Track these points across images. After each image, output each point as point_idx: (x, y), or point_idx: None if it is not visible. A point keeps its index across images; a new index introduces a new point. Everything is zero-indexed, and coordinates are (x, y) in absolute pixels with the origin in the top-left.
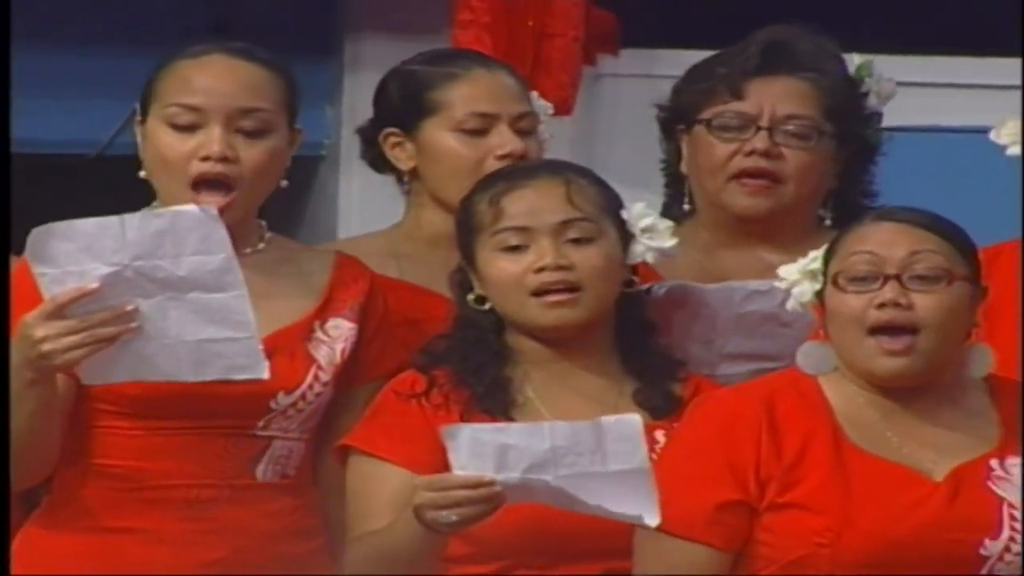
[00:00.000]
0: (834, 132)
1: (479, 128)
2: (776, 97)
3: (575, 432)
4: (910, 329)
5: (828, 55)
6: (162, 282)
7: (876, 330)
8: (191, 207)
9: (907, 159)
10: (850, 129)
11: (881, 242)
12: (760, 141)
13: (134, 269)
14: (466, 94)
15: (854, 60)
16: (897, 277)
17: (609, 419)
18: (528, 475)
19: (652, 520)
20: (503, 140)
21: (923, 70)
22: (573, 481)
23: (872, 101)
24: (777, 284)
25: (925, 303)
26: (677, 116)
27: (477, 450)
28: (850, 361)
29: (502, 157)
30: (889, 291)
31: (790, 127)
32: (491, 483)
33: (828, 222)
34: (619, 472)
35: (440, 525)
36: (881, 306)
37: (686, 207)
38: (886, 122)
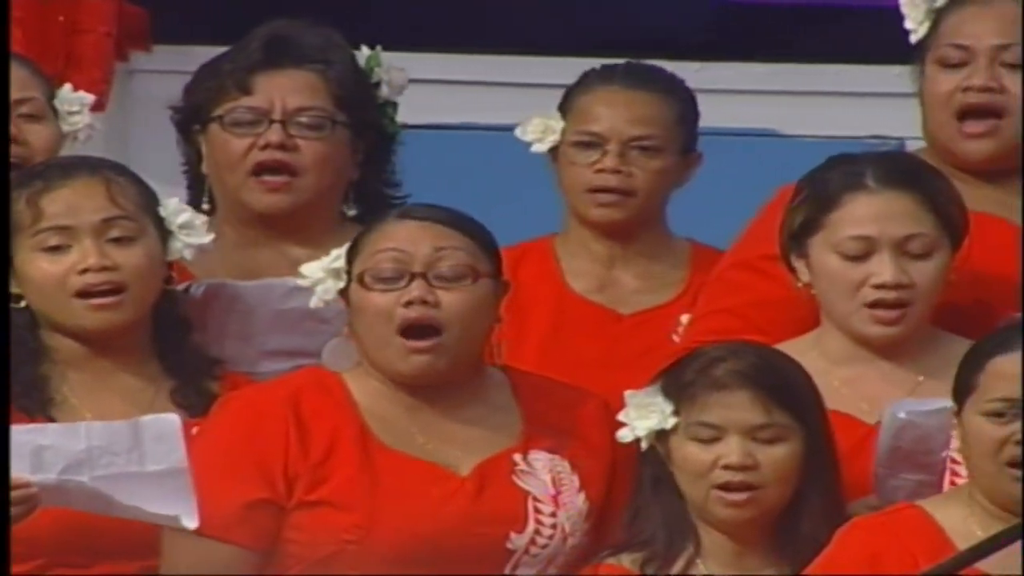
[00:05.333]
0: (348, 121)
1: None
2: (285, 90)
3: (112, 432)
4: (436, 327)
5: (335, 46)
6: None
7: (403, 331)
8: None
9: (438, 156)
10: (364, 118)
11: (406, 239)
12: (274, 134)
13: None
14: None
15: (364, 52)
16: (423, 275)
17: (147, 419)
18: (64, 476)
19: (190, 522)
20: None
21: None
22: (110, 482)
23: (384, 91)
24: (301, 282)
25: (450, 300)
26: (192, 116)
27: (13, 451)
28: (377, 359)
29: None
30: (416, 289)
31: (303, 119)
32: (27, 484)
33: (352, 214)
34: (156, 472)
35: None
36: (408, 304)
37: (205, 206)
38: (417, 120)
